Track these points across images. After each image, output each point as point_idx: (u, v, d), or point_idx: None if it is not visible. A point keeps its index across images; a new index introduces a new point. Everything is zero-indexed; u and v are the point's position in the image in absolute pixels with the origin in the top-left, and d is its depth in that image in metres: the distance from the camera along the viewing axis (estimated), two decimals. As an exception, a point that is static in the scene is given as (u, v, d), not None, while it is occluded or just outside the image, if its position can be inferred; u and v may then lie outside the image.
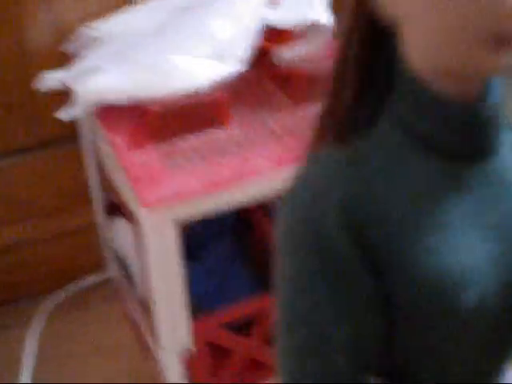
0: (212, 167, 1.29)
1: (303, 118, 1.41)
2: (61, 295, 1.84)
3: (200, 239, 1.64)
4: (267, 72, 1.55)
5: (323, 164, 0.58)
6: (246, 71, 1.38)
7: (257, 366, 1.51)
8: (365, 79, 0.57)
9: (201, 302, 1.59)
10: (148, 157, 1.31)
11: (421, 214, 0.54)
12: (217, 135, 1.37)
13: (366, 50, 0.56)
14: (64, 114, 1.42)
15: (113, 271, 1.76)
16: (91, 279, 1.86)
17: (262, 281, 1.66)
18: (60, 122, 1.44)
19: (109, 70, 1.36)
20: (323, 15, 1.40)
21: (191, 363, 1.40)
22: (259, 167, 1.29)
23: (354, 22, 0.55)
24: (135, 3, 1.58)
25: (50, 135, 1.70)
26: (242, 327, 1.47)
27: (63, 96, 1.45)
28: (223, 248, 1.60)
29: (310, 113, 1.42)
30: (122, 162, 1.31)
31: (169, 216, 1.23)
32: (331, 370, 0.54)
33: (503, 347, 0.57)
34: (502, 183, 0.57)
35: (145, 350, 1.59)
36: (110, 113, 1.42)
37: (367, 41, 0.56)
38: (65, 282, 1.86)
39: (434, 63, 0.52)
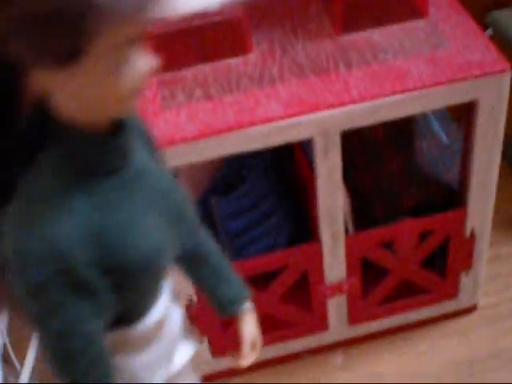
0: (214, 107, 1.10)
1: (343, 51, 1.18)
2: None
3: (237, 173, 1.48)
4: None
5: None
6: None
7: (274, 323, 1.37)
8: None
9: (232, 242, 1.46)
10: (146, 90, 1.15)
11: (112, 219, 0.73)
12: (231, 66, 1.17)
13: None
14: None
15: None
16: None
17: (297, 229, 1.50)
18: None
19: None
20: None
21: (195, 315, 1.28)
22: (269, 114, 1.09)
23: None
24: None
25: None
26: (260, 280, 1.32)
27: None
28: (259, 185, 1.43)
29: (353, 46, 1.19)
30: (117, 93, 1.15)
31: (155, 163, 1.08)
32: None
33: (163, 276, 0.83)
34: (144, 179, 0.77)
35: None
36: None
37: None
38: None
39: (84, 118, 0.69)
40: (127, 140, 0.74)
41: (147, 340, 0.86)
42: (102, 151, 0.71)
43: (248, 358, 0.97)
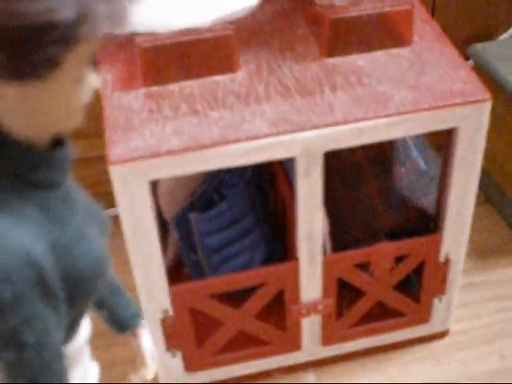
0: (200, 122, 1.12)
1: (329, 74, 1.20)
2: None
3: (216, 191, 1.49)
4: (303, 11, 1.33)
5: None
6: (274, 6, 1.19)
7: (247, 340, 1.37)
8: None
9: (210, 258, 1.46)
10: (133, 101, 1.16)
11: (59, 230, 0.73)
12: (218, 83, 1.19)
13: None
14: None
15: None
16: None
17: (274, 246, 1.51)
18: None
19: None
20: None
21: (171, 329, 1.28)
22: (254, 131, 1.10)
23: None
24: None
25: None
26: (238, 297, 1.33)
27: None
28: (238, 202, 1.44)
29: (338, 69, 1.21)
30: (104, 103, 1.16)
31: (139, 174, 1.08)
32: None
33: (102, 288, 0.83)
34: (77, 192, 0.81)
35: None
36: (111, 43, 1.27)
37: None
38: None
39: (30, 133, 0.70)
40: (68, 155, 0.75)
41: (74, 361, 0.86)
42: (47, 165, 0.72)
43: (152, 370, 1.02)
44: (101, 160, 1.11)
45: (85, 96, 0.69)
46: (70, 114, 0.70)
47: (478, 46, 1.76)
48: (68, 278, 0.73)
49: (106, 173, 1.15)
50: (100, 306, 0.99)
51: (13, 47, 0.61)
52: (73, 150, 0.77)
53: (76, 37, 0.62)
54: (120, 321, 1.00)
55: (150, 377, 1.03)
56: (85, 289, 0.77)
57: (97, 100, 1.22)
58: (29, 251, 0.67)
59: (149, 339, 1.02)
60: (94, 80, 0.70)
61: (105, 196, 1.73)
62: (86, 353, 0.92)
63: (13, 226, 0.68)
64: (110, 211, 1.73)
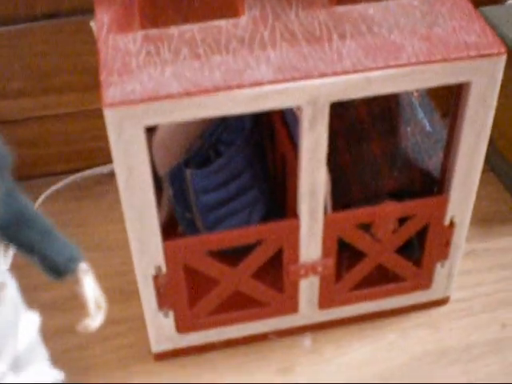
0: (201, 67, 1.06)
1: (338, 22, 1.14)
2: (70, 179, 1.70)
3: (213, 147, 1.44)
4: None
5: None
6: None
7: (242, 301, 1.32)
8: None
9: (206, 216, 1.41)
10: (131, 44, 1.10)
11: None
12: (221, 27, 1.13)
13: None
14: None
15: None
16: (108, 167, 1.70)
17: (273, 204, 1.46)
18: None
19: None
20: None
21: (163, 287, 1.23)
22: (258, 78, 1.04)
23: None
24: None
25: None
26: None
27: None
28: (235, 160, 1.39)
29: (347, 18, 1.15)
30: (99, 45, 1.10)
31: (136, 118, 1.02)
32: None
33: None
34: None
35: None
36: (109, -16, 1.20)
37: None
38: (81, 164, 1.72)
39: None
40: None
41: None
42: None
43: (95, 318, 0.99)
44: (97, 114, 1.06)
45: None
46: None
47: (486, 10, 1.71)
48: None
49: (102, 128, 1.09)
50: (30, 250, 0.96)
51: None
52: None
53: None
54: (53, 266, 0.96)
55: (93, 326, 0.99)
56: None
57: (93, 53, 1.16)
58: None
59: (92, 285, 0.99)
60: None
61: (100, 152, 1.70)
62: (11, 294, 0.89)
63: None
64: (106, 168, 1.69)
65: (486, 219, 1.63)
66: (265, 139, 1.49)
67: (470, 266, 1.53)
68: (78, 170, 1.73)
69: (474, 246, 1.57)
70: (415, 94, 1.40)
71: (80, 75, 1.59)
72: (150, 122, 1.03)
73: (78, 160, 1.72)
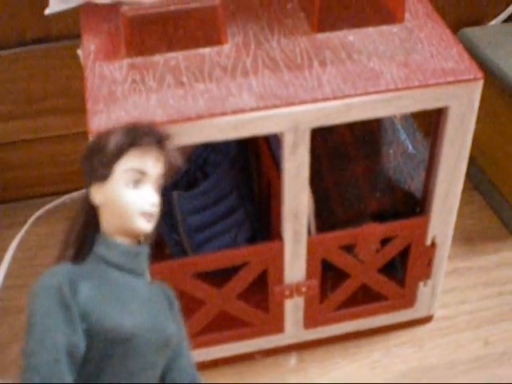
0: (185, 94, 1.08)
1: (318, 49, 1.17)
2: (60, 201, 1.72)
3: (200, 169, 1.47)
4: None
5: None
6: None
7: (228, 322, 1.34)
8: None
9: (192, 237, 1.43)
10: (116, 72, 1.12)
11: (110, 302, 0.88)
12: (204, 55, 1.15)
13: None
14: (48, 10, 1.25)
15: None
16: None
17: (258, 226, 1.48)
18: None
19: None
20: None
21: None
22: (240, 105, 1.07)
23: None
24: None
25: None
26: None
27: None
28: (222, 182, 1.41)
29: (327, 45, 1.18)
30: (86, 73, 1.12)
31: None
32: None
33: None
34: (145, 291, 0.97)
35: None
36: (96, 13, 1.23)
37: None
38: (70, 186, 1.74)
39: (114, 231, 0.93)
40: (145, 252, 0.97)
41: None
42: (126, 255, 0.94)
43: None
44: (86, 136, 1.08)
45: (139, 203, 0.90)
46: (129, 217, 0.90)
47: (467, 31, 1.74)
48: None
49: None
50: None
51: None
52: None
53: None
54: None
55: None
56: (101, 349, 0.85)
57: (80, 78, 1.19)
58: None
59: None
60: (152, 195, 0.93)
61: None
62: None
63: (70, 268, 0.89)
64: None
65: (468, 237, 1.65)
66: (251, 162, 1.52)
67: (453, 284, 1.55)
68: (67, 192, 1.74)
69: (457, 264, 1.59)
70: (397, 116, 1.43)
71: (68, 99, 1.61)
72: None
73: (67, 182, 1.74)
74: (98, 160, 0.90)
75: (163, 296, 1.02)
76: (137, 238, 0.94)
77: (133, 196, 0.89)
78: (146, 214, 0.90)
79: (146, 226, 0.91)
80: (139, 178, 0.90)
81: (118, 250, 0.91)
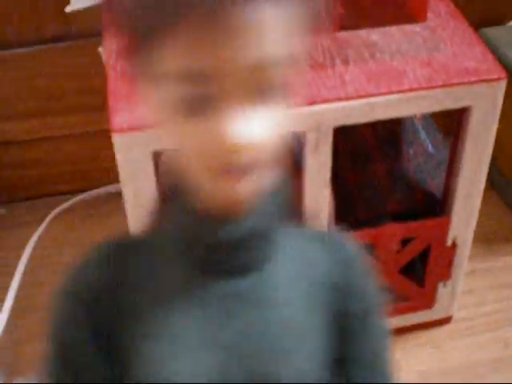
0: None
1: (341, 48, 1.16)
2: (78, 198, 1.73)
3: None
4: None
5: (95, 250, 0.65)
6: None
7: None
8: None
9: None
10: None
11: (149, 321, 0.58)
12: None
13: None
14: (69, 7, 1.25)
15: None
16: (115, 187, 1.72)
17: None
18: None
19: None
20: None
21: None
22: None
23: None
24: None
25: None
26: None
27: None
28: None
29: (350, 43, 1.17)
30: (108, 71, 1.12)
31: (143, 144, 1.05)
32: None
33: None
34: (254, 300, 0.59)
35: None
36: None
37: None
38: (87, 184, 1.75)
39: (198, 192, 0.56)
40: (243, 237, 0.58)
41: None
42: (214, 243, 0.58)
43: None
44: (104, 134, 1.08)
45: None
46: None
47: (487, 31, 1.73)
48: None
49: (108, 148, 1.11)
50: None
51: None
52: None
53: None
54: None
55: None
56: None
57: (99, 75, 1.19)
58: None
59: None
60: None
61: (107, 171, 1.71)
62: None
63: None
64: (113, 187, 1.71)
65: (487, 238, 1.64)
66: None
67: (471, 286, 1.54)
68: (85, 190, 1.75)
69: (476, 265, 1.58)
70: (417, 116, 1.42)
71: (87, 96, 1.61)
72: (158, 148, 1.06)
73: (85, 179, 1.74)
74: None
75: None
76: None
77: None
78: None
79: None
80: None
81: None
